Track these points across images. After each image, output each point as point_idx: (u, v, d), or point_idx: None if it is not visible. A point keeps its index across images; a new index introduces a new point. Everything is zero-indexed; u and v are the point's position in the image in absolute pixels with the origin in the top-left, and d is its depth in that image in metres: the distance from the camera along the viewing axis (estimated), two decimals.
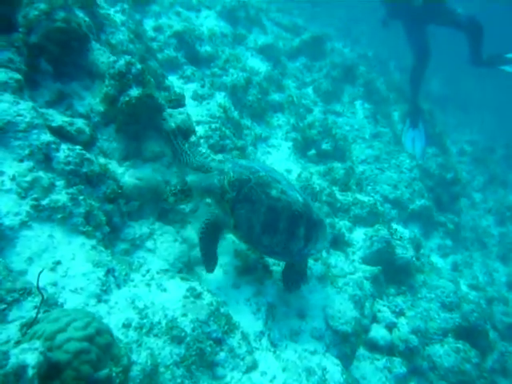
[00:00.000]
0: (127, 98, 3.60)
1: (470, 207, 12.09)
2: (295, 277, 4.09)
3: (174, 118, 4.12)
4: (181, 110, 4.25)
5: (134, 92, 3.63)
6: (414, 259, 6.31)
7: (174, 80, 6.87)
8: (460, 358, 5.08)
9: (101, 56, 3.89)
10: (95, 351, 2.13)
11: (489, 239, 11.26)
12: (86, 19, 4.12)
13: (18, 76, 3.15)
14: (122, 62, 3.59)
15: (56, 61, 3.56)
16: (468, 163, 14.77)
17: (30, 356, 1.87)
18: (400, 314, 5.43)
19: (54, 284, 2.71)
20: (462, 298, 5.99)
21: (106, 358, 2.20)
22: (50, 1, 3.48)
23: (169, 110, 4.16)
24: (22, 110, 2.99)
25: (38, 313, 2.17)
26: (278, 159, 7.77)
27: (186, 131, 4.17)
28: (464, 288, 7.72)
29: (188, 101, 6.79)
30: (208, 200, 4.06)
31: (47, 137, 3.10)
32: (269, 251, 3.73)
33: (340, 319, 4.04)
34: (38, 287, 2.20)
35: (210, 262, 3.66)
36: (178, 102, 4.43)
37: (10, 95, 3.07)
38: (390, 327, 5.15)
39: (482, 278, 9.08)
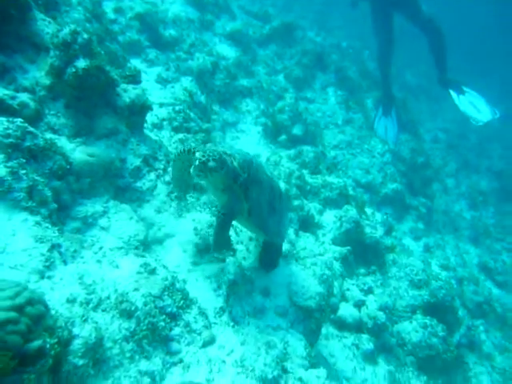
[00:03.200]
0: (74, 70, 3.43)
1: (442, 192, 12.20)
2: (273, 256, 4.11)
3: (128, 93, 3.96)
4: (135, 85, 4.09)
5: (81, 63, 3.46)
6: (383, 239, 6.31)
7: (136, 63, 6.68)
8: (427, 333, 5.09)
9: (46, 27, 3.70)
10: (25, 321, 1.99)
11: (461, 222, 11.39)
12: None
13: None
14: (66, 30, 3.41)
15: None
16: (441, 149, 14.94)
17: None
18: (368, 291, 5.41)
19: None
20: (430, 275, 6.00)
21: (39, 329, 2.06)
22: None
23: (123, 85, 4.00)
24: None
25: None
26: (248, 144, 7.67)
27: (140, 107, 4.02)
28: (435, 268, 7.76)
29: (152, 84, 6.65)
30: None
31: None
32: (270, 234, 3.70)
33: (304, 295, 3.97)
34: None
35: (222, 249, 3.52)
36: (134, 77, 4.27)
37: None
38: (359, 305, 5.12)
39: (454, 260, 9.17)
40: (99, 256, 3.18)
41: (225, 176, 3.16)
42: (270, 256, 4.07)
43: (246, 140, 7.76)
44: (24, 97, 3.39)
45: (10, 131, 3.01)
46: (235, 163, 3.22)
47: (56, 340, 2.11)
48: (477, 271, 9.45)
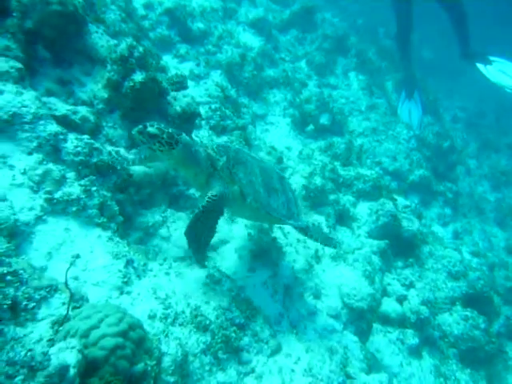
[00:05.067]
0: (132, 83, 3.48)
1: (466, 174, 12.10)
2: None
3: (178, 101, 4.00)
4: (184, 92, 4.12)
5: (138, 76, 3.51)
6: (419, 230, 6.34)
7: (168, 59, 6.68)
8: (469, 325, 5.17)
9: (99, 39, 3.73)
10: (130, 346, 2.10)
11: (485, 205, 11.31)
12: (80, 0, 3.92)
13: (18, 65, 3.00)
14: (123, 45, 3.45)
15: (54, 46, 3.40)
16: (462, 130, 14.74)
17: (69, 355, 1.85)
18: (410, 286, 5.47)
19: (76, 278, 2.66)
20: (467, 266, 6.05)
21: (140, 352, 2.18)
22: None
23: (172, 93, 4.04)
24: (26, 100, 2.87)
25: (68, 310, 2.13)
26: (278, 136, 7.68)
27: (191, 115, 4.05)
28: (466, 255, 7.80)
29: None
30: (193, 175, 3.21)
31: (54, 127, 2.99)
32: (279, 216, 3.38)
33: (355, 296, 4.06)
34: (66, 284, 2.14)
35: (200, 250, 3.09)
36: (181, 84, 4.30)
37: (13, 85, 2.93)
38: (401, 300, 5.20)
39: (482, 245, 9.17)
40: (165, 267, 3.28)
41: (194, 167, 3.04)
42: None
43: (276, 132, 7.76)
44: (84, 111, 3.44)
45: (79, 149, 3.09)
46: (209, 150, 3.11)
47: (155, 362, 2.22)
48: (505, 255, 9.45)
